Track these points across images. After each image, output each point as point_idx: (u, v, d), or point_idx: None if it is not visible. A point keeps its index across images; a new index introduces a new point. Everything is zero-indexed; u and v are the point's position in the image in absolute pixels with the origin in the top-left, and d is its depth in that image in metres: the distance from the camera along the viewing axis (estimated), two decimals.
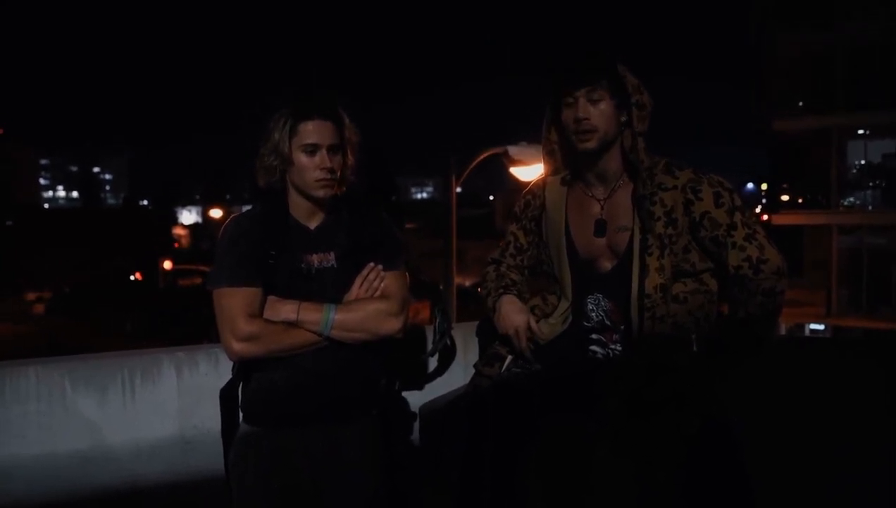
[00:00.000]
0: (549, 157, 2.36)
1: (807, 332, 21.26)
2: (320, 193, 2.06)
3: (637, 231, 2.18)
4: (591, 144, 2.17)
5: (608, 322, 2.24)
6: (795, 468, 2.68)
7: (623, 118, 2.19)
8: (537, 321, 2.33)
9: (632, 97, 2.17)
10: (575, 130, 2.17)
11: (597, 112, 2.15)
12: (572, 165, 2.31)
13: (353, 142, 2.11)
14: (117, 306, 33.08)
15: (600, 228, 2.23)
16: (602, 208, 2.25)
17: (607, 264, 2.25)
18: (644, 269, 2.15)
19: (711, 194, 2.15)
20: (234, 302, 1.99)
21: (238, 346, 1.99)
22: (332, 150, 2.05)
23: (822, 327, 20.81)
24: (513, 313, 2.32)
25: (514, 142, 7.73)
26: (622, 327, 2.22)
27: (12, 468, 2.93)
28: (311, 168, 2.04)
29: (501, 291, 2.38)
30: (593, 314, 2.26)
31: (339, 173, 2.08)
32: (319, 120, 2.05)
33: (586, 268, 2.27)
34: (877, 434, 2.75)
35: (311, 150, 2.04)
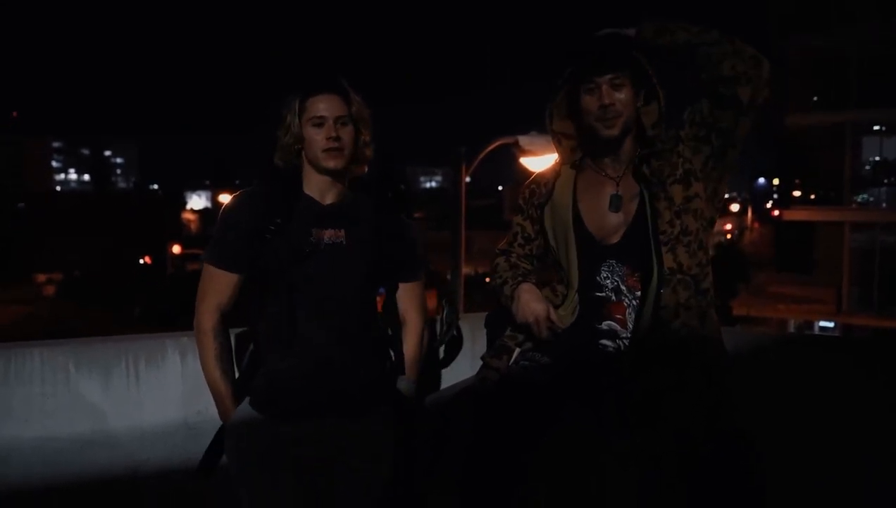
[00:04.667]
0: (558, 145, 2.36)
1: (816, 329, 21.19)
2: (330, 163, 2.06)
3: (646, 197, 2.19)
4: (616, 131, 2.18)
5: (623, 287, 2.22)
6: (801, 468, 2.65)
7: (639, 103, 2.21)
8: None
9: (653, 78, 2.19)
10: (600, 117, 2.17)
11: (620, 98, 2.16)
12: (589, 150, 2.30)
13: (363, 117, 2.11)
14: (126, 290, 33.25)
15: (615, 202, 2.23)
16: (617, 185, 2.25)
17: (619, 237, 2.24)
18: (656, 232, 2.16)
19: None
20: (209, 286, 2.10)
21: (195, 329, 2.12)
22: (339, 121, 2.07)
23: (831, 324, 20.72)
24: (532, 302, 2.29)
25: (524, 133, 7.67)
26: (635, 301, 2.20)
27: (14, 450, 2.92)
28: (319, 139, 2.06)
29: (520, 278, 2.35)
30: (608, 282, 2.23)
31: (350, 146, 2.09)
32: (327, 94, 2.07)
33: (598, 245, 2.25)
34: (885, 435, 2.71)
35: (319, 122, 2.06)
